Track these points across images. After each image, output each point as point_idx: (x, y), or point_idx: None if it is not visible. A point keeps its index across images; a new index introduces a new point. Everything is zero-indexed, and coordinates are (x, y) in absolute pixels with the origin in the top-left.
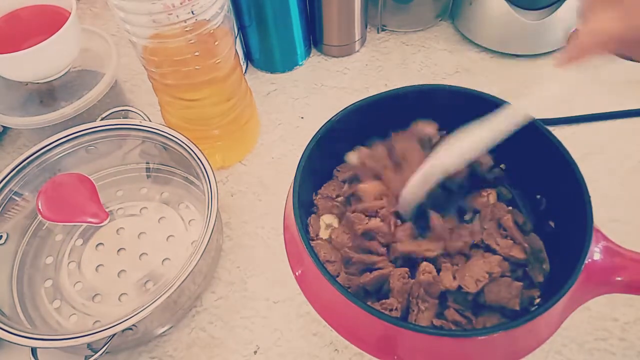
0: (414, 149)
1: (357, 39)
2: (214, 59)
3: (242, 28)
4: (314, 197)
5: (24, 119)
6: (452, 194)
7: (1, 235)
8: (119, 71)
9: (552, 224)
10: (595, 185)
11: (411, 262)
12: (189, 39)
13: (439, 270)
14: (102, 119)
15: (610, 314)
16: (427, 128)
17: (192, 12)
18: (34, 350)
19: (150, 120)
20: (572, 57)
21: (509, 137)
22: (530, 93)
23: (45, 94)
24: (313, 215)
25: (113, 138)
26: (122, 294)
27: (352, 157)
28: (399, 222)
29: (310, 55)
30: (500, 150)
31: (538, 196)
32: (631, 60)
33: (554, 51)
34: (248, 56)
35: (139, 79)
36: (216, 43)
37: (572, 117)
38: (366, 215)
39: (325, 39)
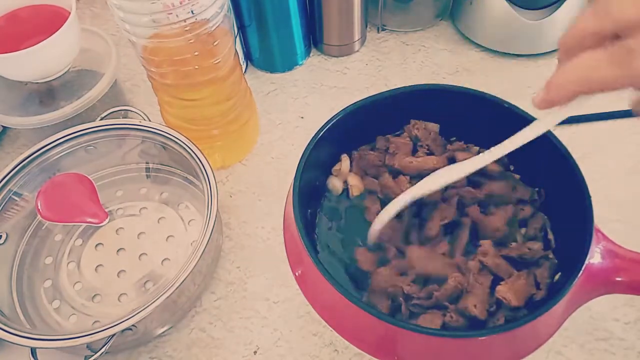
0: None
1: (357, 38)
2: (214, 58)
3: (241, 28)
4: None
5: (24, 118)
6: None
7: (0, 235)
8: (118, 71)
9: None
10: (595, 185)
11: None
12: (189, 38)
13: None
14: (101, 119)
15: (611, 314)
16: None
17: (192, 11)
18: (33, 351)
19: (149, 120)
20: (551, 99)
21: (508, 138)
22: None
23: (45, 94)
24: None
25: (112, 138)
26: (121, 294)
27: (335, 182)
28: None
29: (310, 55)
30: None
31: (536, 189)
32: None
33: (554, 50)
34: (248, 56)
35: (139, 79)
36: (216, 43)
37: (572, 117)
38: None
39: (325, 38)
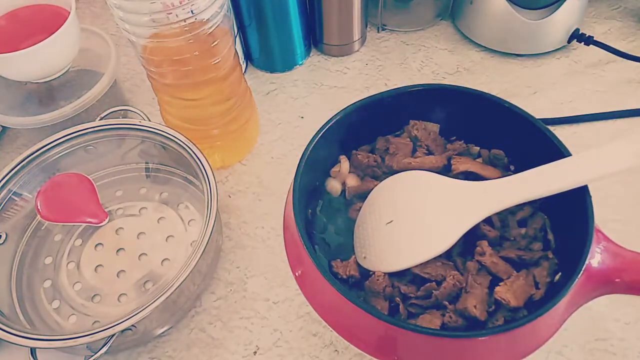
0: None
1: (357, 38)
2: (213, 58)
3: (241, 27)
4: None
5: (23, 118)
6: None
7: (0, 235)
8: (118, 71)
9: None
10: (596, 185)
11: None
12: (188, 38)
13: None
14: (101, 119)
15: (611, 314)
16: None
17: (192, 11)
18: (33, 351)
19: (149, 120)
20: None
21: (508, 137)
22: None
23: (44, 94)
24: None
25: (112, 138)
26: (121, 294)
27: (333, 184)
28: None
29: (310, 55)
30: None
31: None
32: None
33: (554, 50)
34: (248, 56)
35: (139, 79)
36: (215, 43)
37: (572, 117)
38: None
39: (325, 38)
